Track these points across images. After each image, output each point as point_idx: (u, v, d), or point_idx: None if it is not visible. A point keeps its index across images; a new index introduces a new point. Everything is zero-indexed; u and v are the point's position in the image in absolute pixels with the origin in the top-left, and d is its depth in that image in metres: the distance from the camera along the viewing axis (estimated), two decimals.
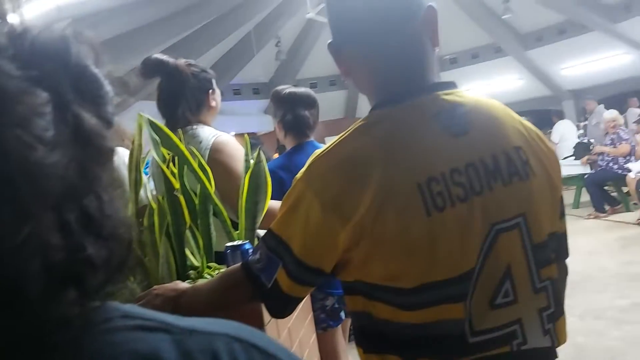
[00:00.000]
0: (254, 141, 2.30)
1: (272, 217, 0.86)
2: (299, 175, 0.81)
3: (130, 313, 0.35)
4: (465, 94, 0.83)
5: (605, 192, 6.28)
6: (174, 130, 1.35)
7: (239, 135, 2.27)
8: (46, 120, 0.30)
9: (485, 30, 10.91)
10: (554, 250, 0.84)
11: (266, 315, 1.04)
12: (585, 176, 6.55)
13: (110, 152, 0.34)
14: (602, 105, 8.06)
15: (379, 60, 0.83)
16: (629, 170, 5.82)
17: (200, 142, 1.60)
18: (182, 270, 1.28)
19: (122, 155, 1.44)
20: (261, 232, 1.09)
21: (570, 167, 7.01)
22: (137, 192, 1.26)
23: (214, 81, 1.77)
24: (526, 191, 0.80)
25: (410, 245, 0.74)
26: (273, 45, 9.07)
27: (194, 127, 1.65)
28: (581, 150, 7.16)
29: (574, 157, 7.24)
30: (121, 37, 6.10)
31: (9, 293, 0.28)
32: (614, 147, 6.15)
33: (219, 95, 1.81)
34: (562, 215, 0.88)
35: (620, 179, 5.99)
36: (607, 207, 6.20)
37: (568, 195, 7.30)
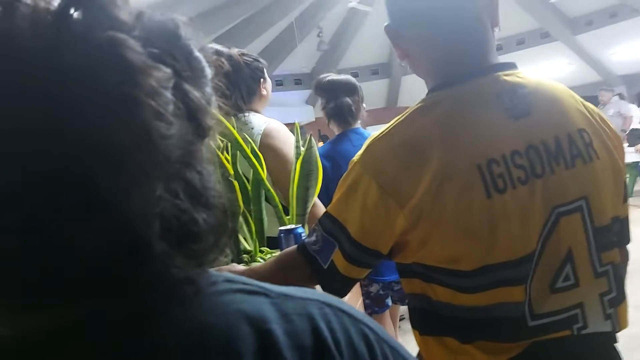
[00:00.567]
0: (302, 130, 2.32)
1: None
2: (355, 157, 0.82)
3: (232, 278, 0.38)
4: (527, 76, 0.82)
5: None
6: (226, 118, 1.39)
7: (290, 125, 2.29)
8: (169, 94, 0.32)
9: (531, 14, 10.57)
10: (616, 234, 0.83)
11: None
12: None
13: (210, 129, 0.37)
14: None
15: (439, 41, 0.82)
16: None
17: (252, 129, 1.64)
18: (236, 254, 1.31)
19: None
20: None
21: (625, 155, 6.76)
22: None
23: (265, 70, 1.80)
24: (589, 174, 0.79)
25: (470, 226, 0.74)
26: (315, 35, 9.07)
27: (246, 114, 1.69)
28: (635, 137, 6.88)
29: (627, 144, 6.97)
30: None
31: (139, 248, 0.30)
32: None
33: (270, 84, 1.83)
34: (625, 199, 0.86)
35: None
36: None
37: None
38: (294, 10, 8.40)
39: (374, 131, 0.86)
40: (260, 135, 1.63)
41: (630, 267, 3.14)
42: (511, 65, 0.82)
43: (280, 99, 9.44)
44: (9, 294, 0.30)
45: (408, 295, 0.85)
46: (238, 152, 1.32)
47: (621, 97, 8.90)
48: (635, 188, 6.62)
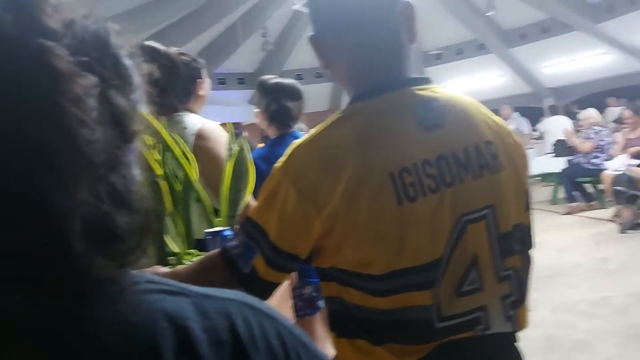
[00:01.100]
0: (237, 130, 2.31)
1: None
2: (277, 164, 0.84)
3: (153, 279, 0.40)
4: (440, 89, 0.87)
5: (579, 185, 6.44)
6: (159, 118, 1.37)
7: (223, 125, 2.28)
8: (94, 101, 0.34)
9: (468, 27, 10.99)
10: (518, 241, 0.89)
11: None
12: (560, 171, 6.73)
13: (135, 134, 0.38)
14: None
15: (359, 52, 0.86)
16: (597, 166, 5.98)
17: (185, 129, 1.62)
18: (162, 256, 1.30)
19: None
20: None
21: (550, 164, 7.17)
22: None
23: (203, 70, 1.79)
24: (495, 184, 0.84)
25: (380, 232, 0.77)
26: (259, 35, 9.03)
27: (181, 114, 1.67)
28: (560, 147, 7.30)
29: (554, 154, 7.38)
30: None
31: (60, 247, 0.32)
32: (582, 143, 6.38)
33: (208, 85, 1.82)
34: (527, 207, 0.93)
35: (593, 175, 6.14)
36: (579, 201, 6.36)
37: (547, 191, 7.47)
38: (238, 9, 8.34)
39: None
40: (194, 136, 1.62)
41: (549, 272, 3.34)
42: (426, 80, 0.87)
43: (222, 97, 9.32)
44: None
45: (325, 298, 0.88)
46: (168, 153, 1.31)
47: (551, 109, 9.45)
48: (559, 196, 7.02)
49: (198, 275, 0.91)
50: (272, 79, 2.26)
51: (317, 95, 10.43)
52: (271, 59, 10.03)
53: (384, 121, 0.81)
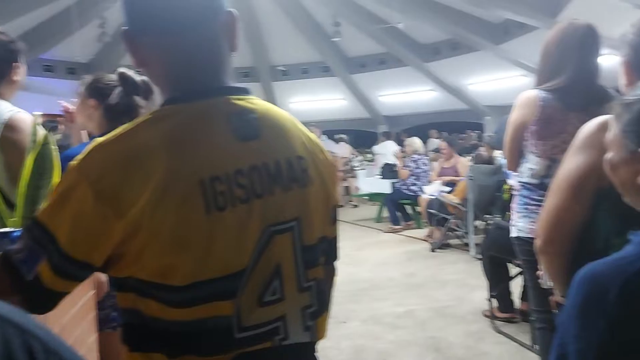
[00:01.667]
0: (52, 123, 2.10)
1: None
2: (73, 162, 0.76)
3: None
4: (257, 101, 0.87)
5: (402, 207, 7.08)
6: None
7: (47, 116, 2.07)
8: None
9: (316, 48, 11.52)
10: (323, 253, 0.92)
11: None
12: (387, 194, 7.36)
13: None
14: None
15: (176, 55, 0.83)
16: (414, 192, 6.67)
17: None
18: None
19: None
20: None
21: (378, 184, 7.78)
22: None
23: (21, 55, 1.64)
24: (303, 197, 0.86)
25: (185, 240, 0.74)
26: (96, 25, 8.39)
27: None
28: (387, 170, 7.96)
29: (381, 177, 8.02)
30: None
31: None
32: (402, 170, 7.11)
33: (24, 71, 1.67)
34: (334, 221, 0.97)
35: (413, 199, 6.79)
36: (402, 223, 6.99)
37: (373, 210, 8.07)
38: None
39: None
40: (2, 125, 1.47)
41: (365, 285, 3.60)
42: (244, 90, 0.87)
43: (48, 86, 8.42)
44: None
45: (120, 310, 0.82)
46: None
47: (385, 135, 10.29)
48: (384, 215, 7.62)
49: None
50: (128, 71, 2.09)
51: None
52: (108, 52, 9.37)
53: (198, 127, 0.79)
